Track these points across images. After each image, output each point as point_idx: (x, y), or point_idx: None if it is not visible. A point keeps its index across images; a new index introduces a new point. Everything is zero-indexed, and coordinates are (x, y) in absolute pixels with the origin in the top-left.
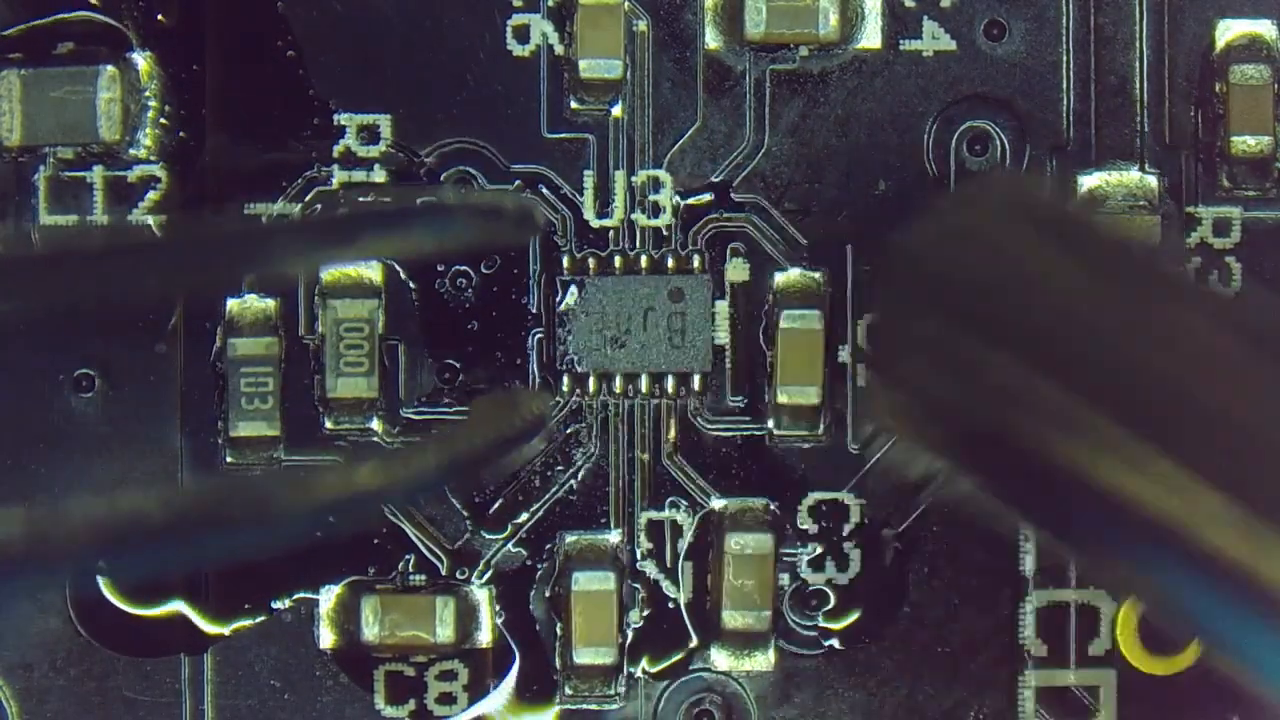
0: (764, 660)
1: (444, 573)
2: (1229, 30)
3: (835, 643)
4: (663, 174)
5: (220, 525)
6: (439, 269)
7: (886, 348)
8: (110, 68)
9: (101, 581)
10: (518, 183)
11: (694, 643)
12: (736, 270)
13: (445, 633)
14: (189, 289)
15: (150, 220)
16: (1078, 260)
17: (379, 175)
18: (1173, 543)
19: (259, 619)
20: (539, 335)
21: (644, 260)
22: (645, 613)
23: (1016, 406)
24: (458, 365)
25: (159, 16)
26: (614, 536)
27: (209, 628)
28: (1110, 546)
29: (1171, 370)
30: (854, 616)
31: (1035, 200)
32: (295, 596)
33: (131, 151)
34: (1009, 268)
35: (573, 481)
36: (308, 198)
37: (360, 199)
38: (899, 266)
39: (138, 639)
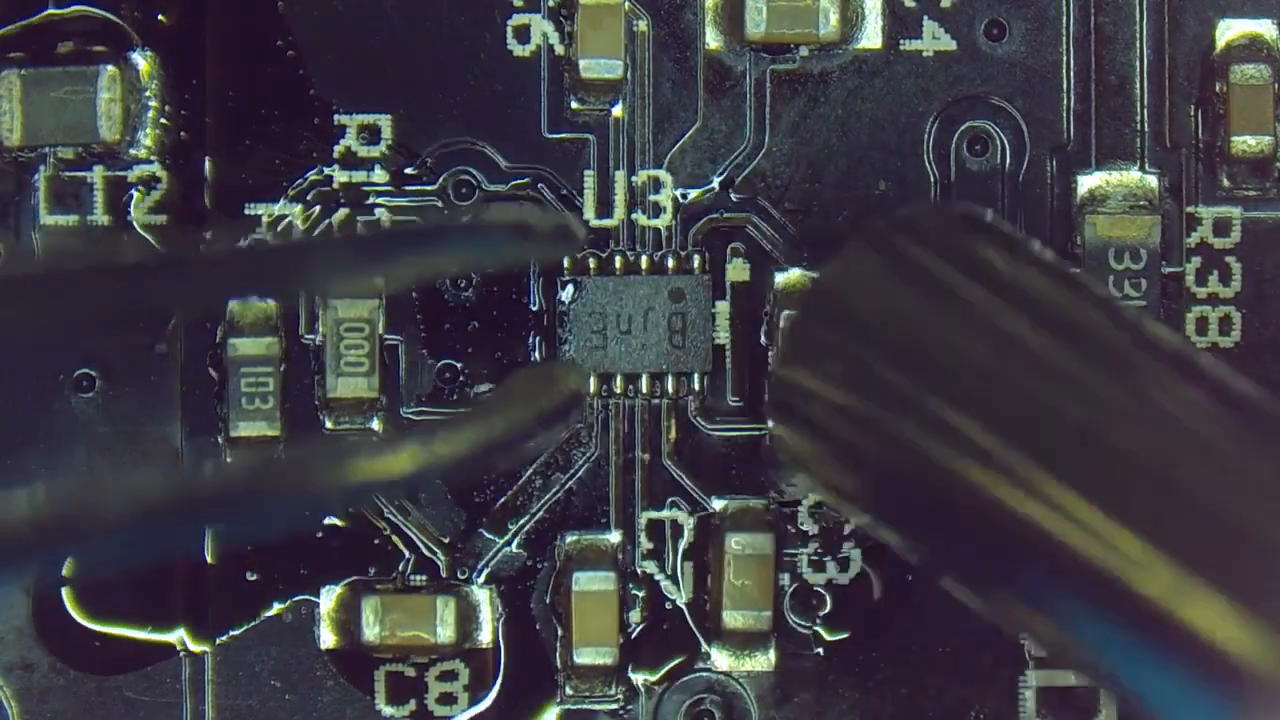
0: (764, 660)
1: (444, 573)
2: (1229, 30)
3: (835, 642)
4: (663, 174)
5: (261, 499)
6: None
7: (794, 392)
8: (110, 68)
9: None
10: (566, 213)
11: (696, 644)
12: (737, 270)
13: (446, 633)
14: (203, 305)
15: (152, 220)
16: (1000, 298)
17: (379, 175)
18: (1093, 589)
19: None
20: (539, 336)
21: (644, 260)
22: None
23: (930, 446)
24: (458, 365)
25: (159, 16)
26: (614, 537)
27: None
28: (1023, 589)
29: (1092, 416)
30: (854, 617)
31: (971, 238)
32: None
33: (131, 151)
34: (938, 307)
35: (573, 482)
36: (308, 198)
37: (395, 218)
38: (816, 305)
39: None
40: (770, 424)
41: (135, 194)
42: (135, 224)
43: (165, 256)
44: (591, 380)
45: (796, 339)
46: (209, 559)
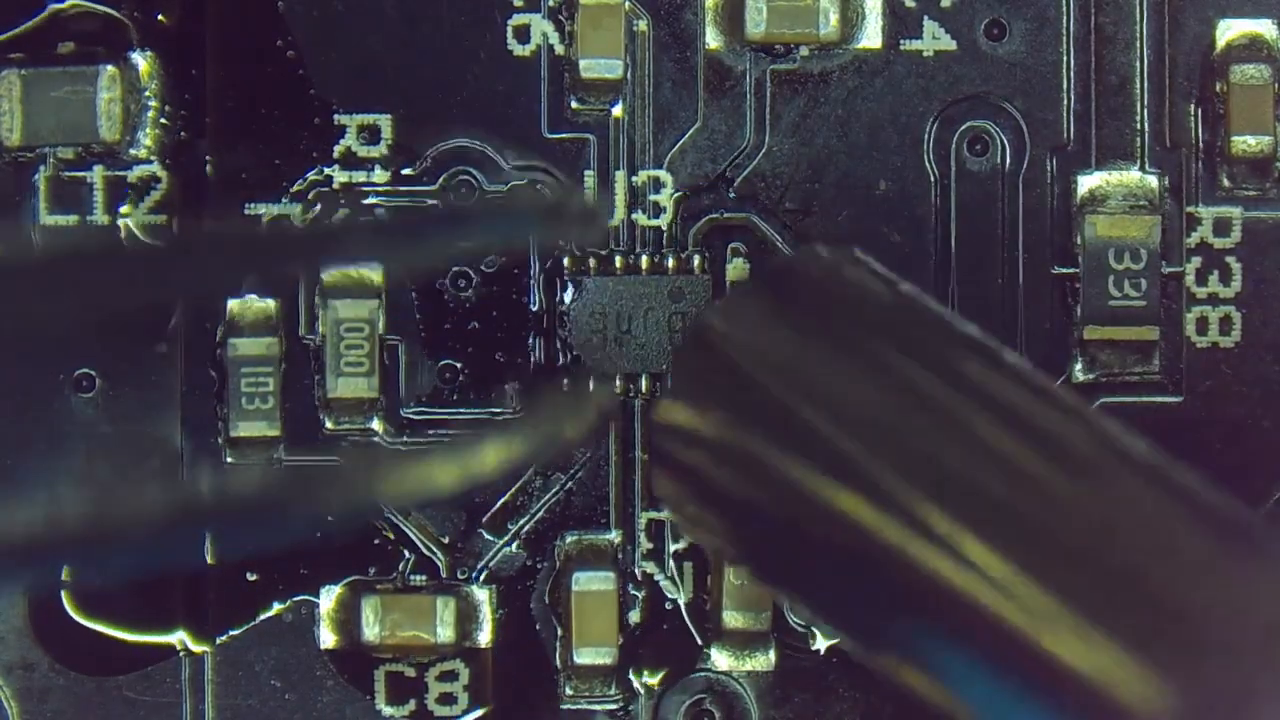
0: (764, 660)
1: (444, 573)
2: (1229, 30)
3: (835, 643)
4: (663, 174)
5: (281, 513)
6: (439, 268)
7: (671, 432)
8: (110, 68)
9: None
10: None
11: (696, 644)
12: (737, 270)
13: (445, 633)
14: (244, 285)
15: (152, 220)
16: (886, 345)
17: (379, 175)
18: (956, 617)
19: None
20: (539, 336)
21: (644, 260)
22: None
23: (801, 491)
24: (458, 365)
25: (159, 16)
26: (614, 537)
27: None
28: (900, 640)
29: (975, 460)
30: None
31: (855, 289)
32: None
33: (131, 151)
34: (820, 350)
35: (573, 482)
36: (308, 198)
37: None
38: (700, 343)
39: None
40: (650, 466)
41: (130, 195)
42: (133, 226)
43: (174, 242)
44: (592, 381)
45: (679, 378)
46: (209, 559)
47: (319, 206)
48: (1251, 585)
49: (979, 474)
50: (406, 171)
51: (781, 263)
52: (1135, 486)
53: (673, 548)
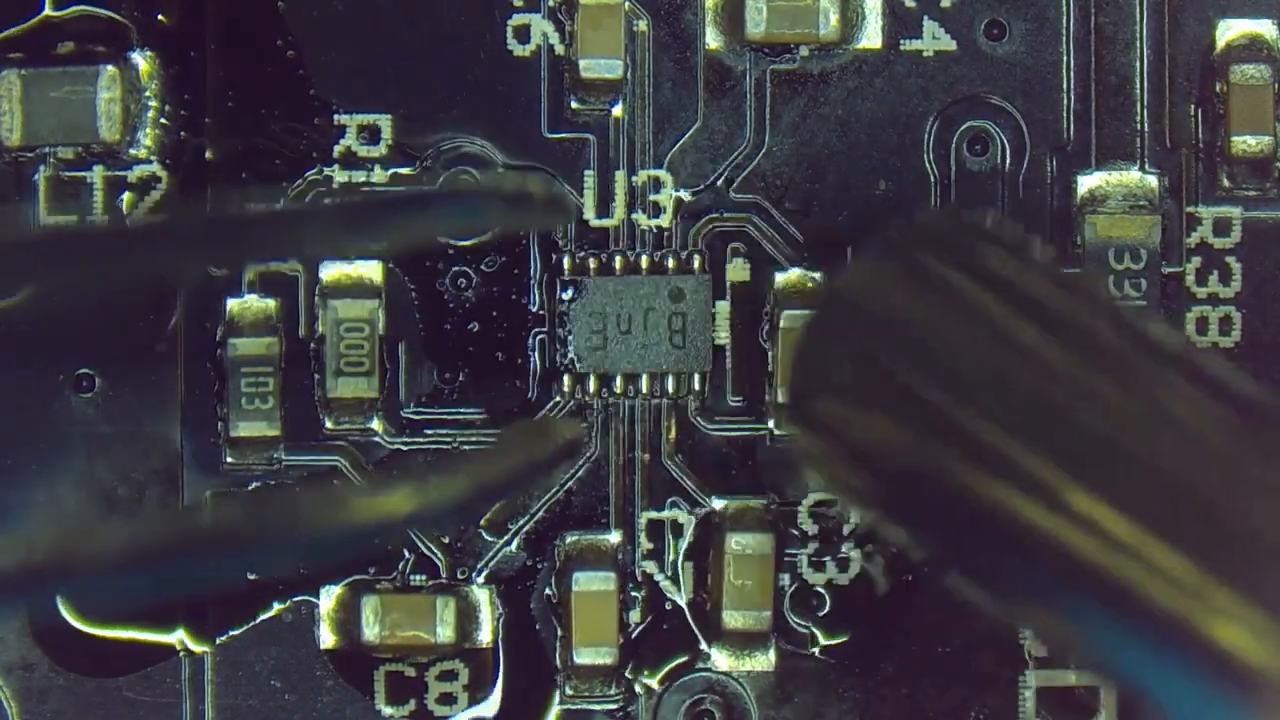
0: (764, 660)
1: (444, 573)
2: (1229, 30)
3: (835, 642)
4: (663, 174)
5: (245, 543)
6: (439, 268)
7: (810, 392)
8: (110, 68)
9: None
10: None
11: (696, 644)
12: (737, 270)
13: (445, 633)
14: (203, 273)
15: (150, 220)
16: (1024, 310)
17: (379, 175)
18: (1106, 591)
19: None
20: (540, 335)
21: (644, 260)
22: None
23: (944, 448)
24: (458, 365)
25: (159, 16)
26: (614, 537)
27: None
28: (1033, 589)
29: (1101, 420)
30: (854, 617)
31: (986, 247)
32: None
33: (131, 151)
34: (951, 312)
35: (573, 482)
36: (308, 198)
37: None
38: (835, 306)
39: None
40: (782, 422)
41: (126, 196)
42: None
43: (150, 225)
44: (592, 381)
45: (810, 343)
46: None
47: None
48: None
49: (1100, 432)
50: (401, 171)
51: (904, 226)
52: (1258, 465)
53: (681, 547)
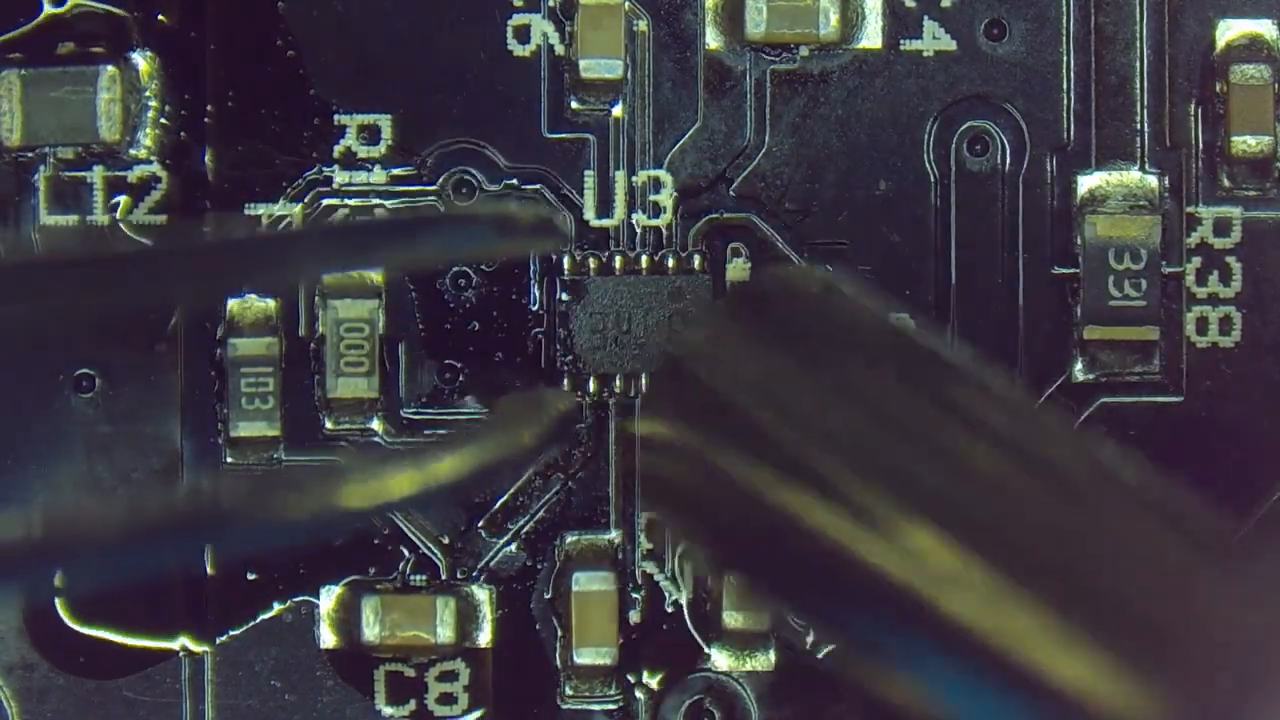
0: (764, 660)
1: (444, 573)
2: (1229, 30)
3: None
4: (663, 174)
5: (236, 523)
6: (439, 268)
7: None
8: (110, 68)
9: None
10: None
11: (696, 644)
12: (737, 270)
13: (445, 633)
14: (203, 298)
15: (152, 220)
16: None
17: (379, 175)
18: (950, 638)
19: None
20: (540, 335)
21: (644, 260)
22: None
23: (782, 500)
24: (458, 365)
25: (159, 16)
26: (614, 536)
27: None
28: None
29: (956, 478)
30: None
31: (833, 306)
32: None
33: (131, 151)
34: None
35: (573, 482)
36: (307, 198)
37: (375, 211)
38: (674, 365)
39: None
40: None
41: (123, 200)
42: (121, 226)
43: (144, 252)
44: (592, 381)
45: (659, 394)
46: (208, 566)
47: (331, 216)
48: (1233, 599)
49: (958, 490)
50: (397, 171)
51: (754, 283)
52: (1118, 504)
53: (678, 549)
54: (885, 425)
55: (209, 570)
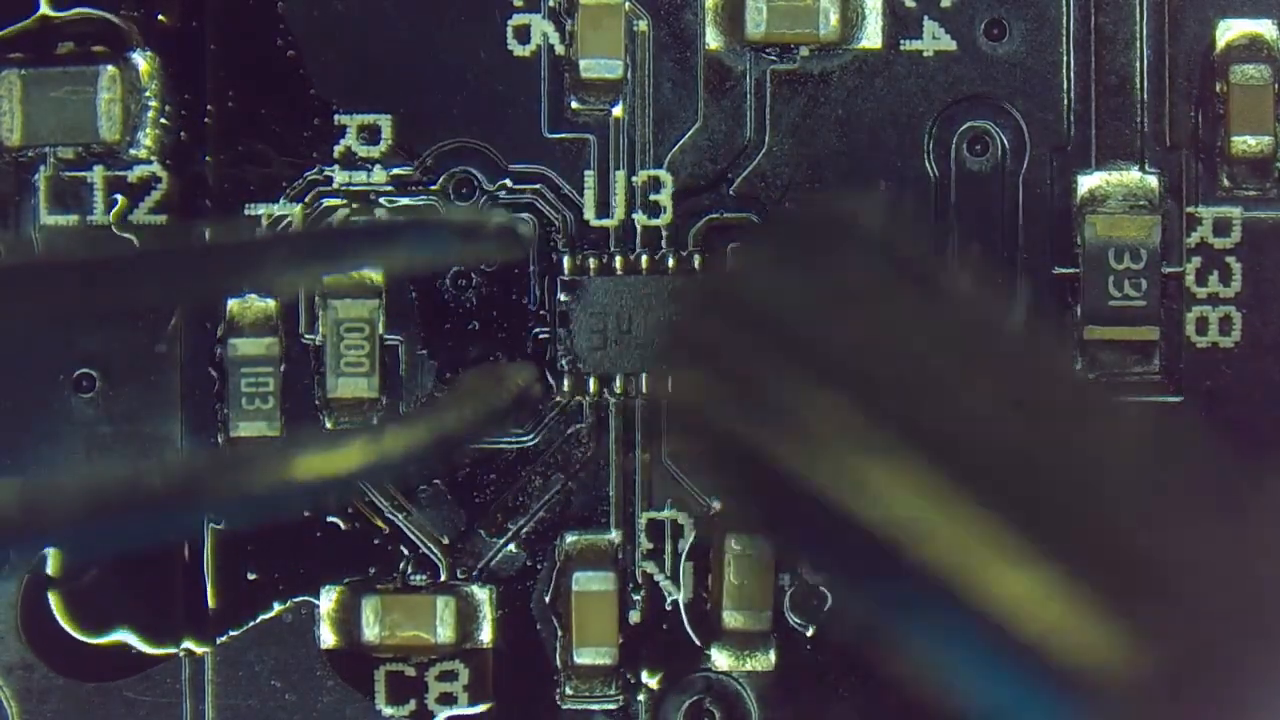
0: (764, 660)
1: (444, 573)
2: (1229, 30)
3: (835, 643)
4: (663, 174)
5: (199, 499)
6: (436, 270)
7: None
8: (110, 68)
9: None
10: (504, 193)
11: (695, 644)
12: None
13: (445, 633)
14: (179, 301)
15: (150, 220)
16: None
17: (379, 175)
18: (955, 593)
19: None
20: (540, 335)
21: (644, 260)
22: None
23: (813, 441)
24: (458, 365)
25: (159, 16)
26: (614, 536)
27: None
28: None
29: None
30: (854, 617)
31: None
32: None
33: (131, 151)
34: (825, 302)
35: (573, 482)
36: (307, 198)
37: (353, 216)
38: (703, 303)
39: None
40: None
41: (119, 200)
42: (114, 230)
43: (115, 256)
44: (592, 381)
45: (680, 336)
46: (209, 559)
47: (309, 219)
48: (1237, 544)
49: (964, 431)
50: (395, 172)
51: (785, 211)
52: (1126, 441)
53: (682, 546)
54: (921, 374)
55: (208, 572)
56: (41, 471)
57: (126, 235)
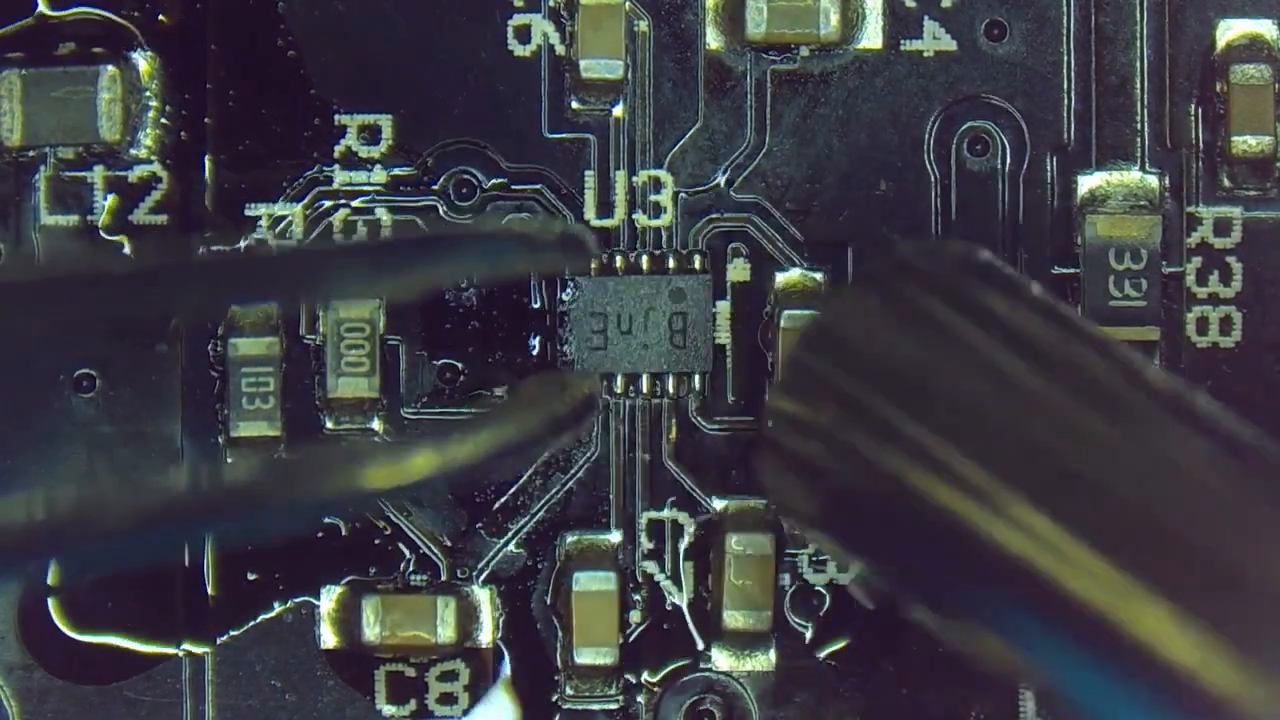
0: (764, 660)
1: (444, 573)
2: (1230, 30)
3: (835, 643)
4: (664, 174)
5: (266, 503)
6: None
7: (785, 423)
8: (110, 68)
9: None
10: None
11: (695, 644)
12: (738, 270)
13: (446, 633)
14: (209, 312)
15: (152, 220)
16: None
17: (379, 176)
18: (1077, 624)
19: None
20: (540, 335)
21: (645, 260)
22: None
23: (921, 480)
24: (458, 365)
25: (159, 16)
26: (614, 537)
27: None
28: (1000, 619)
29: (1084, 456)
30: (854, 617)
31: (970, 279)
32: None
33: (132, 151)
34: (934, 346)
35: (573, 482)
36: (307, 198)
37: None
38: (815, 342)
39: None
40: (758, 453)
41: (111, 199)
42: (103, 231)
43: (168, 263)
44: (602, 385)
45: (793, 373)
46: (209, 559)
47: (364, 233)
48: None
49: (1082, 467)
50: (395, 172)
51: (894, 259)
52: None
53: (681, 546)
54: (1023, 408)
55: (208, 559)
56: (93, 482)
57: (199, 251)
